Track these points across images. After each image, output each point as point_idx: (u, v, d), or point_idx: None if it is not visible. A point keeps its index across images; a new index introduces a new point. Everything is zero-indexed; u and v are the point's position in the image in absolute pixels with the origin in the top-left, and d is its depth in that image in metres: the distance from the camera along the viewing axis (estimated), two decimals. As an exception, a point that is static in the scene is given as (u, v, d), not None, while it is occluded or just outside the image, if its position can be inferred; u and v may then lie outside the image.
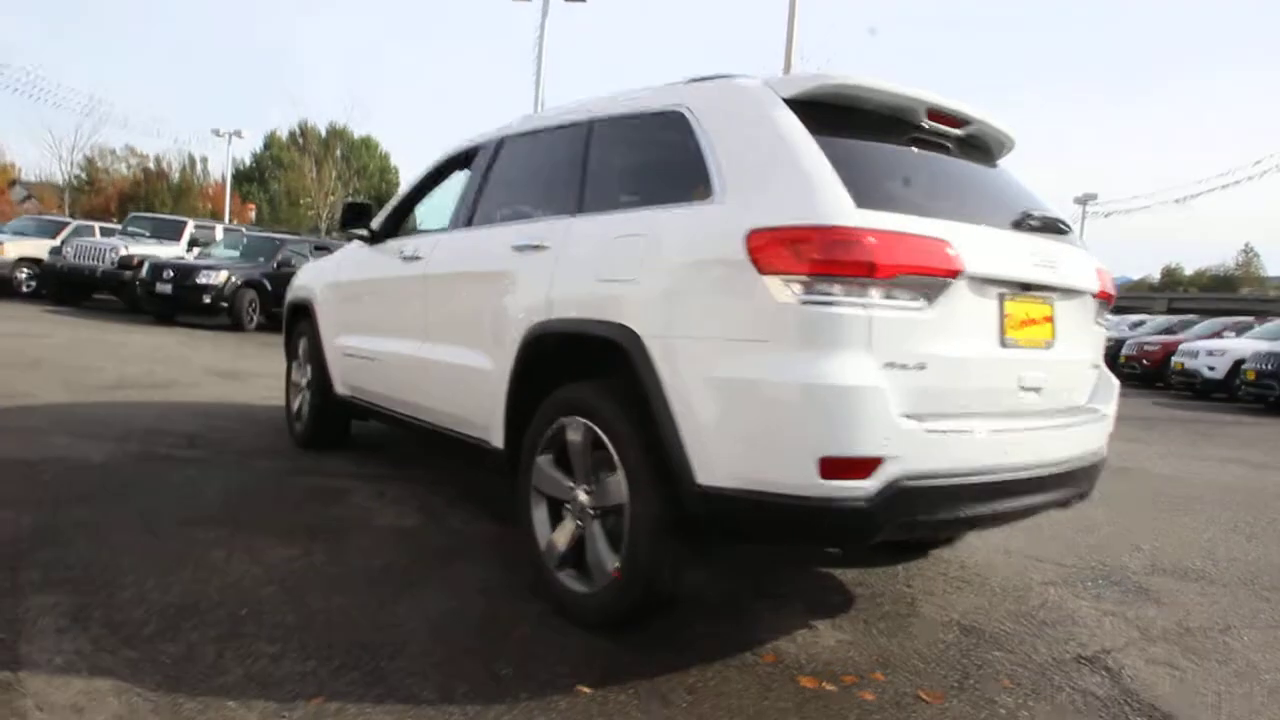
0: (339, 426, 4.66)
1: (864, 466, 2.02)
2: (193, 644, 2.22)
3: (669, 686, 2.20)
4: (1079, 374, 2.71)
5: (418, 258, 3.53)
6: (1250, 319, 18.34)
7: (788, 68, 15.93)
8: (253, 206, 42.45)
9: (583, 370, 2.65)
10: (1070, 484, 2.54)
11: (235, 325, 12.66)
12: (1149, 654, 2.65)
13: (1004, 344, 2.35)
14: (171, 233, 15.33)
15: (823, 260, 2.02)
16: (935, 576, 3.25)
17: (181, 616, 2.38)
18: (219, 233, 16.07)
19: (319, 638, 2.32)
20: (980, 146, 2.80)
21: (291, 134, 51.57)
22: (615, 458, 2.38)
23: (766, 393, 2.07)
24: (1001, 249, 2.35)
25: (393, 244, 4.01)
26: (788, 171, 2.18)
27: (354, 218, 4.01)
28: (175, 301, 12.42)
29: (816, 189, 2.11)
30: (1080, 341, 2.66)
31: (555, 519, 2.68)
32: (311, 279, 4.64)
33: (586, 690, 2.14)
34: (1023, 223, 2.49)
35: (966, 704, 2.23)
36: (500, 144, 3.40)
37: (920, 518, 2.16)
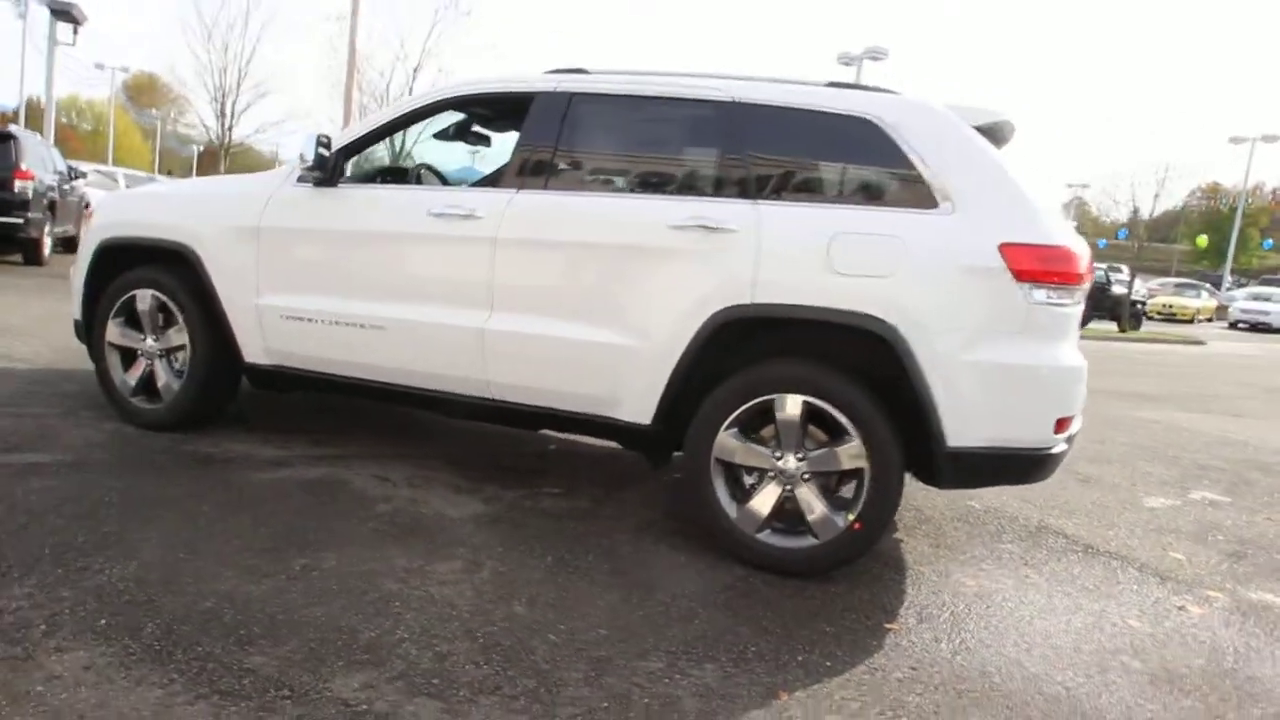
0: (226, 401, 3.78)
1: (1072, 422, 2.77)
2: (607, 673, 2.05)
3: (927, 606, 2.72)
4: None
5: (471, 216, 3.12)
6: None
7: (350, 74, 17.46)
8: None
9: (775, 350, 2.87)
10: None
11: None
12: (1064, 521, 3.94)
13: None
14: None
15: (1061, 271, 2.65)
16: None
17: (522, 654, 2.12)
18: None
19: (661, 640, 2.30)
20: None
21: None
22: (850, 428, 2.72)
23: (1021, 372, 2.66)
24: None
25: (393, 193, 3.43)
26: (1014, 194, 2.72)
27: (323, 152, 3.25)
28: None
29: (1045, 214, 2.71)
30: None
31: (734, 489, 2.91)
32: (187, 218, 3.55)
33: (893, 626, 2.56)
34: None
35: (1051, 559, 3.20)
36: (570, 100, 3.16)
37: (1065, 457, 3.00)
